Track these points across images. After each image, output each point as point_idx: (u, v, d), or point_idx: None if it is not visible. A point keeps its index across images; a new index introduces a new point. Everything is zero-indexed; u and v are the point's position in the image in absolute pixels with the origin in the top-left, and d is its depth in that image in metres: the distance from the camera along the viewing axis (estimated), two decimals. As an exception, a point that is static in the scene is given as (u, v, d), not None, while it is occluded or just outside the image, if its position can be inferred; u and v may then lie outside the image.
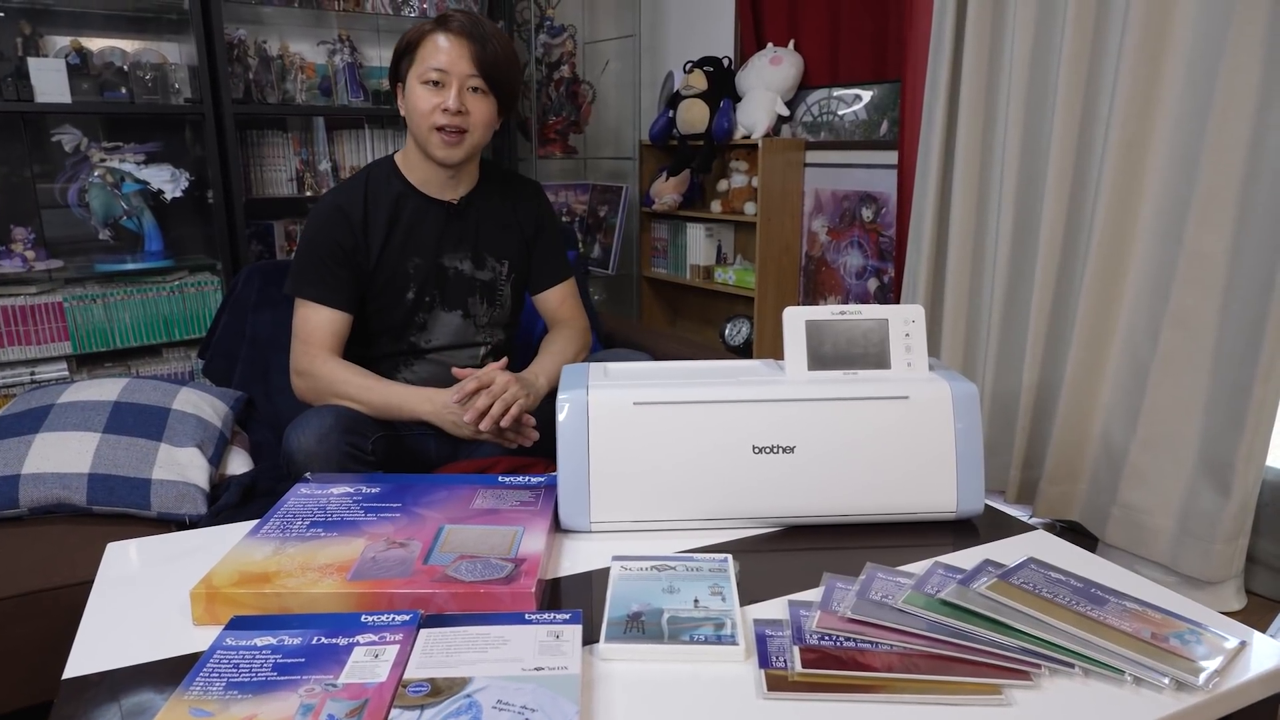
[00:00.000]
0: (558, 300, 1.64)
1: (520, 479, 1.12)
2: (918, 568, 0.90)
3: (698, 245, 3.08)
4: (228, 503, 1.43)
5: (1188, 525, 1.80)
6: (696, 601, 0.84)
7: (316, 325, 1.43)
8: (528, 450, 1.50)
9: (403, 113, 1.45)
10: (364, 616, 0.79)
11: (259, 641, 0.76)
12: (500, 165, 1.63)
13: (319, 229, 1.45)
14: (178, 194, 2.43)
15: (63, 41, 2.37)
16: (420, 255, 1.50)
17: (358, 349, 1.49)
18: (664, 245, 3.24)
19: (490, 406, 1.31)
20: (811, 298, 2.90)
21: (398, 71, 1.45)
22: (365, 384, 1.40)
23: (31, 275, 2.33)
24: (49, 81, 2.23)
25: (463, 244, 1.53)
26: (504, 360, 1.39)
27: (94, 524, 1.38)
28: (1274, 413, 1.69)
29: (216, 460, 1.52)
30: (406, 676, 0.71)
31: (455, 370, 1.36)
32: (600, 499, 1.01)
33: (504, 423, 1.32)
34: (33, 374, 2.35)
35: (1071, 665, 0.75)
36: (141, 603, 0.89)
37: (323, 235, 1.44)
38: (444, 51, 1.38)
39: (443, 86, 1.39)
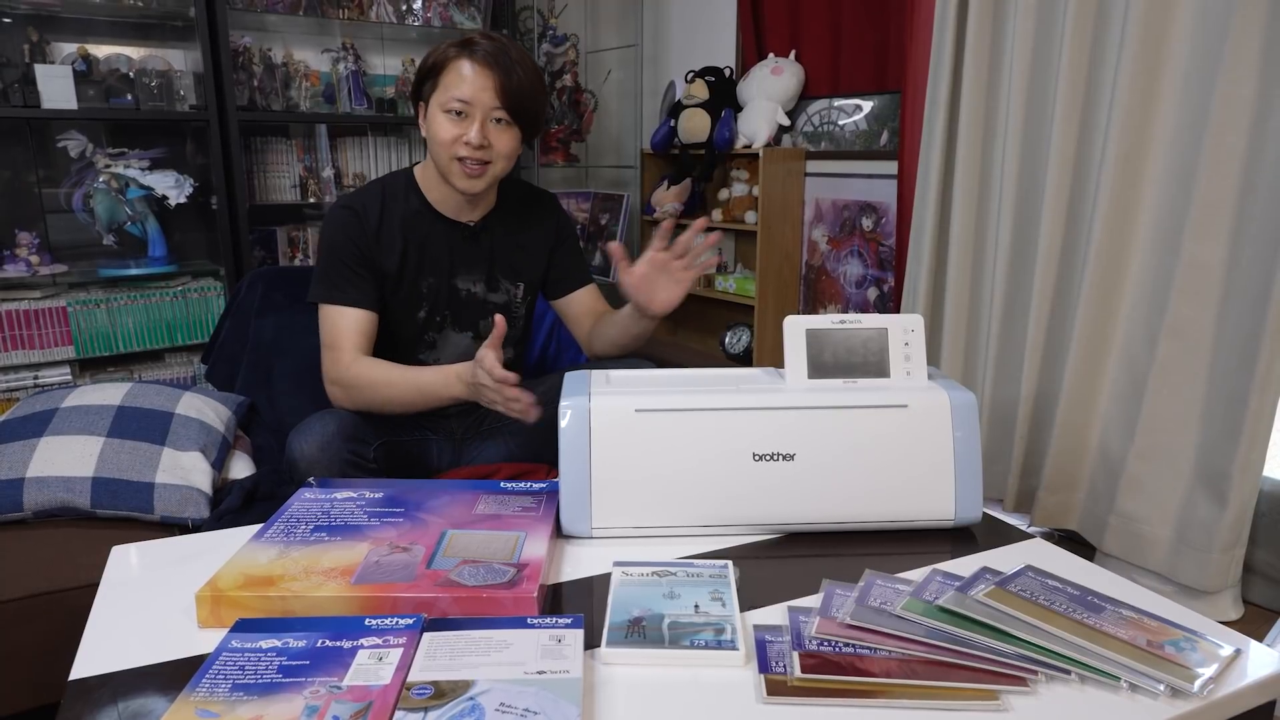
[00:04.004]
0: (592, 297, 1.62)
1: (522, 485, 1.12)
2: (916, 575, 0.91)
3: (698, 253, 3.09)
4: (230, 506, 1.44)
5: (1185, 535, 1.81)
6: (697, 607, 0.85)
7: (344, 329, 1.40)
8: (530, 457, 1.51)
9: (423, 133, 1.42)
10: (368, 620, 0.80)
11: (264, 644, 0.76)
12: (517, 181, 1.60)
13: (336, 231, 1.43)
14: (182, 200, 2.44)
15: (69, 48, 2.38)
16: (434, 275, 1.48)
17: None
18: (665, 253, 3.24)
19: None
20: (811, 306, 2.91)
21: (420, 91, 1.41)
22: (389, 377, 1.36)
23: (36, 280, 2.34)
24: (55, 88, 2.25)
25: (477, 267, 1.52)
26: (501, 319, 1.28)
27: (97, 527, 1.38)
28: (1270, 423, 1.70)
29: (219, 464, 1.52)
30: (410, 679, 0.72)
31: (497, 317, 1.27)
32: (602, 505, 1.02)
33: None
34: (36, 378, 2.36)
35: (1068, 672, 0.75)
36: (146, 605, 0.89)
37: (340, 237, 1.42)
38: (468, 81, 1.34)
39: (465, 118, 1.35)
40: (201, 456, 1.48)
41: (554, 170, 3.37)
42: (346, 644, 0.76)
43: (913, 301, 2.31)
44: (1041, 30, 1.98)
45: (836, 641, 0.79)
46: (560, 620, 0.81)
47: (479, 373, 1.23)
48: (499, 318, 1.25)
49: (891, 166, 2.51)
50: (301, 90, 2.69)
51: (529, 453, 1.53)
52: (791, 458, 1.02)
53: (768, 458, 1.02)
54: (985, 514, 1.08)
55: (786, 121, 2.80)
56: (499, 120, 1.37)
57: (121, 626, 0.85)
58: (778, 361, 1.12)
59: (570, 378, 1.11)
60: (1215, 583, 1.77)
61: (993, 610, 0.81)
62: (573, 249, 1.62)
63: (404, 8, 2.78)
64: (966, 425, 1.04)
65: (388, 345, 1.51)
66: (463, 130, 1.36)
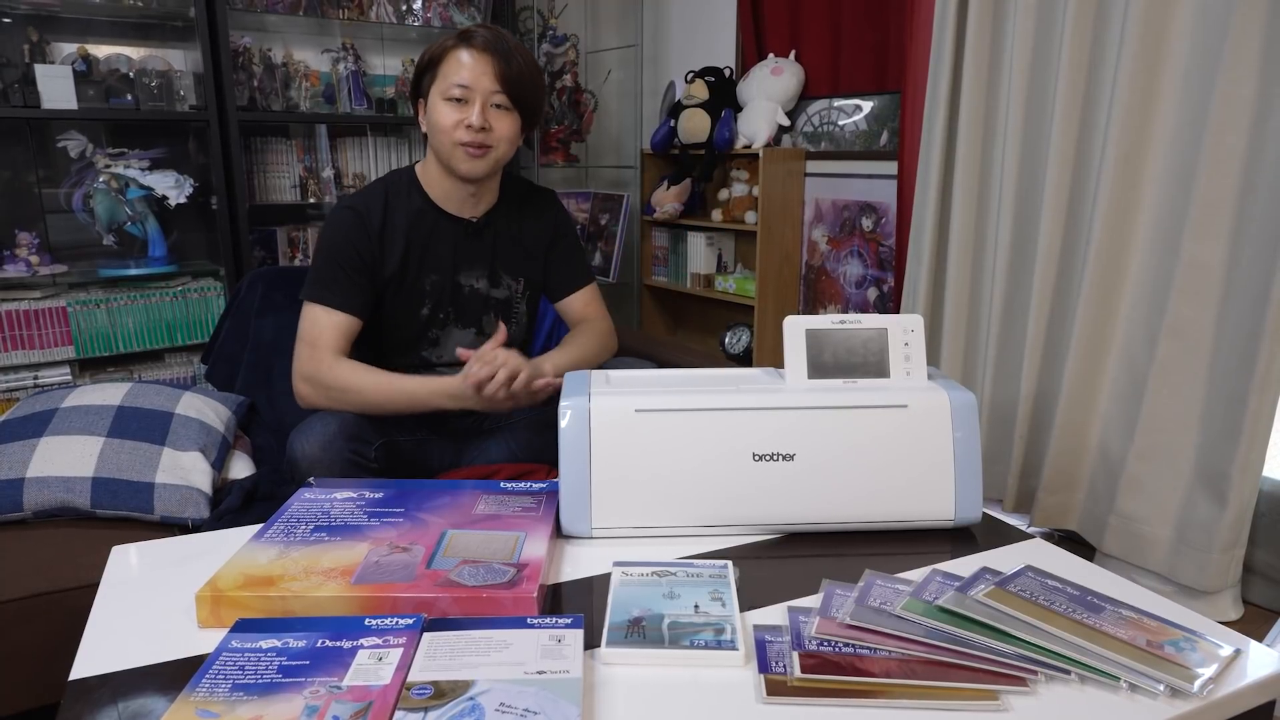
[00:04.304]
0: (582, 303, 1.63)
1: (522, 485, 1.12)
2: (916, 575, 0.91)
3: (698, 254, 3.10)
4: (230, 506, 1.44)
5: (1185, 535, 1.81)
6: (697, 607, 0.85)
7: (325, 328, 1.40)
8: (531, 457, 1.51)
9: (424, 129, 1.44)
10: (368, 620, 0.80)
11: (264, 644, 0.76)
12: (518, 179, 1.61)
13: (336, 233, 1.43)
14: (182, 200, 2.44)
15: (69, 48, 2.38)
16: (437, 272, 1.49)
17: (368, 362, 1.48)
18: (665, 253, 3.25)
19: (492, 376, 1.28)
20: (811, 306, 2.91)
21: (419, 87, 1.43)
22: (376, 382, 1.37)
23: (36, 280, 2.34)
24: (55, 88, 2.25)
25: (479, 262, 1.52)
26: (503, 330, 1.36)
27: (97, 527, 1.39)
28: (1270, 423, 1.70)
29: (219, 464, 1.53)
30: (410, 679, 0.72)
31: (460, 352, 1.34)
32: (602, 505, 1.02)
33: (514, 386, 1.29)
34: (36, 378, 2.36)
35: (1068, 672, 0.75)
36: (146, 605, 0.89)
37: (340, 239, 1.43)
38: (467, 68, 1.37)
39: (466, 103, 1.37)
40: (201, 456, 1.48)
41: (554, 170, 3.37)
42: (346, 644, 0.76)
43: (912, 301, 2.32)
44: (1041, 30, 1.98)
45: (836, 641, 0.79)
46: (560, 620, 0.81)
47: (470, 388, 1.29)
48: (501, 326, 1.27)
49: (891, 167, 2.51)
50: (301, 90, 2.69)
51: (529, 453, 1.53)
52: (791, 458, 1.02)
53: (767, 458, 1.02)
54: (985, 514, 1.08)
55: (786, 122, 2.80)
56: (499, 105, 1.39)
57: (121, 626, 0.85)
58: (777, 361, 1.13)
59: (570, 378, 1.11)
60: (1215, 583, 1.77)
61: (992, 610, 0.81)
62: (569, 250, 1.62)
63: (404, 8, 2.78)
64: (966, 425, 1.04)
65: (391, 343, 1.51)
66: (464, 115, 1.37)
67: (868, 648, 0.78)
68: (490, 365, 1.29)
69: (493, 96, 1.38)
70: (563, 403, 1.03)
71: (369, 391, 1.36)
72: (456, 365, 1.54)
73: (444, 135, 1.39)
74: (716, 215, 3.02)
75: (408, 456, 1.46)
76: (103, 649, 0.81)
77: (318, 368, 1.39)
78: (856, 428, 1.03)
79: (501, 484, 1.13)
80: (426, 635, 0.78)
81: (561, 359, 1.44)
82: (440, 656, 0.75)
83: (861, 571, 0.91)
